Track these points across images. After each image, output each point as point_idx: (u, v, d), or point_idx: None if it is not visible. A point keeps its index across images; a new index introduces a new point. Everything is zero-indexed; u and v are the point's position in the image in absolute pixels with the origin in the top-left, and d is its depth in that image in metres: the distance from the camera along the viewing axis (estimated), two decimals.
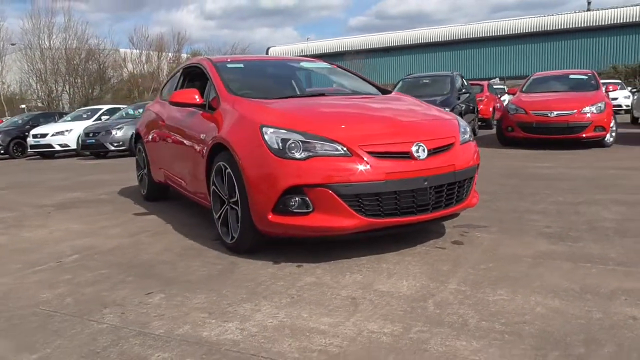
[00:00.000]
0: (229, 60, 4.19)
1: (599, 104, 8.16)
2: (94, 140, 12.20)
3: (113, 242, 3.56)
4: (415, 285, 2.47)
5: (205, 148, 3.33)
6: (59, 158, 13.52)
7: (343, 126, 2.86)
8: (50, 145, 13.52)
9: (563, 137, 8.19)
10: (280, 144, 2.72)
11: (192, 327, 2.10)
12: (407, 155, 2.77)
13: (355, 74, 4.41)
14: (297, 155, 2.69)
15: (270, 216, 2.75)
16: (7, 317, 2.30)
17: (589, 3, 38.89)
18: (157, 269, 2.91)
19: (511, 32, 39.05)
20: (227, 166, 3.02)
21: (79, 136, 12.94)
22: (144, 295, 2.49)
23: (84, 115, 15.20)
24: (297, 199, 2.69)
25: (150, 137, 4.81)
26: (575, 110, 8.09)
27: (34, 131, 13.98)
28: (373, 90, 4.05)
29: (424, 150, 2.80)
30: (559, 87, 9.50)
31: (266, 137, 2.78)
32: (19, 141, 14.89)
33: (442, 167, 2.85)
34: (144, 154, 5.09)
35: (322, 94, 3.86)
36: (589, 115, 8.04)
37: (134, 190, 5.95)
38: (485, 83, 15.31)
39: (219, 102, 3.43)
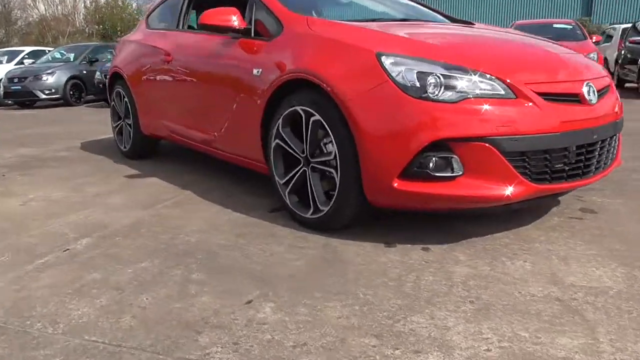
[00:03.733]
0: None
1: None
2: (19, 87, 10.42)
3: (127, 218, 2.60)
4: (615, 274, 1.82)
5: (263, 89, 2.42)
6: None
7: (493, 57, 2.07)
8: None
9: None
10: (416, 80, 1.90)
11: None
12: (577, 99, 2.05)
13: (420, 4, 3.53)
14: (441, 96, 1.88)
15: (396, 183, 1.95)
16: None
17: None
18: (222, 257, 2.05)
19: None
20: (313, 112, 2.15)
21: (1, 82, 10.97)
22: (243, 305, 1.64)
23: (1, 59, 13.03)
24: (438, 158, 1.91)
25: (142, 78, 3.71)
26: None
27: None
28: (461, 23, 3.19)
29: (594, 92, 2.10)
30: None
31: (392, 70, 1.93)
32: None
33: (608, 115, 2.18)
34: (127, 101, 3.98)
35: (419, 20, 2.99)
36: None
37: (105, 146, 4.82)
38: None
39: (278, 25, 2.49)
